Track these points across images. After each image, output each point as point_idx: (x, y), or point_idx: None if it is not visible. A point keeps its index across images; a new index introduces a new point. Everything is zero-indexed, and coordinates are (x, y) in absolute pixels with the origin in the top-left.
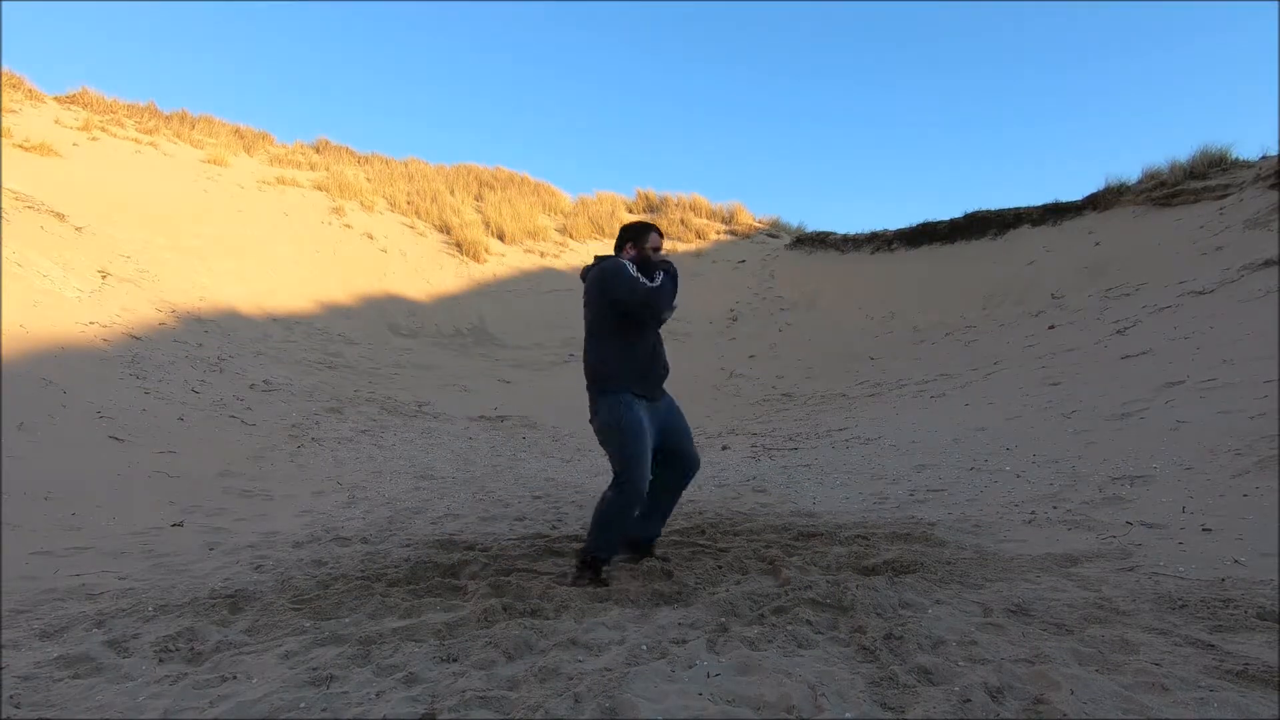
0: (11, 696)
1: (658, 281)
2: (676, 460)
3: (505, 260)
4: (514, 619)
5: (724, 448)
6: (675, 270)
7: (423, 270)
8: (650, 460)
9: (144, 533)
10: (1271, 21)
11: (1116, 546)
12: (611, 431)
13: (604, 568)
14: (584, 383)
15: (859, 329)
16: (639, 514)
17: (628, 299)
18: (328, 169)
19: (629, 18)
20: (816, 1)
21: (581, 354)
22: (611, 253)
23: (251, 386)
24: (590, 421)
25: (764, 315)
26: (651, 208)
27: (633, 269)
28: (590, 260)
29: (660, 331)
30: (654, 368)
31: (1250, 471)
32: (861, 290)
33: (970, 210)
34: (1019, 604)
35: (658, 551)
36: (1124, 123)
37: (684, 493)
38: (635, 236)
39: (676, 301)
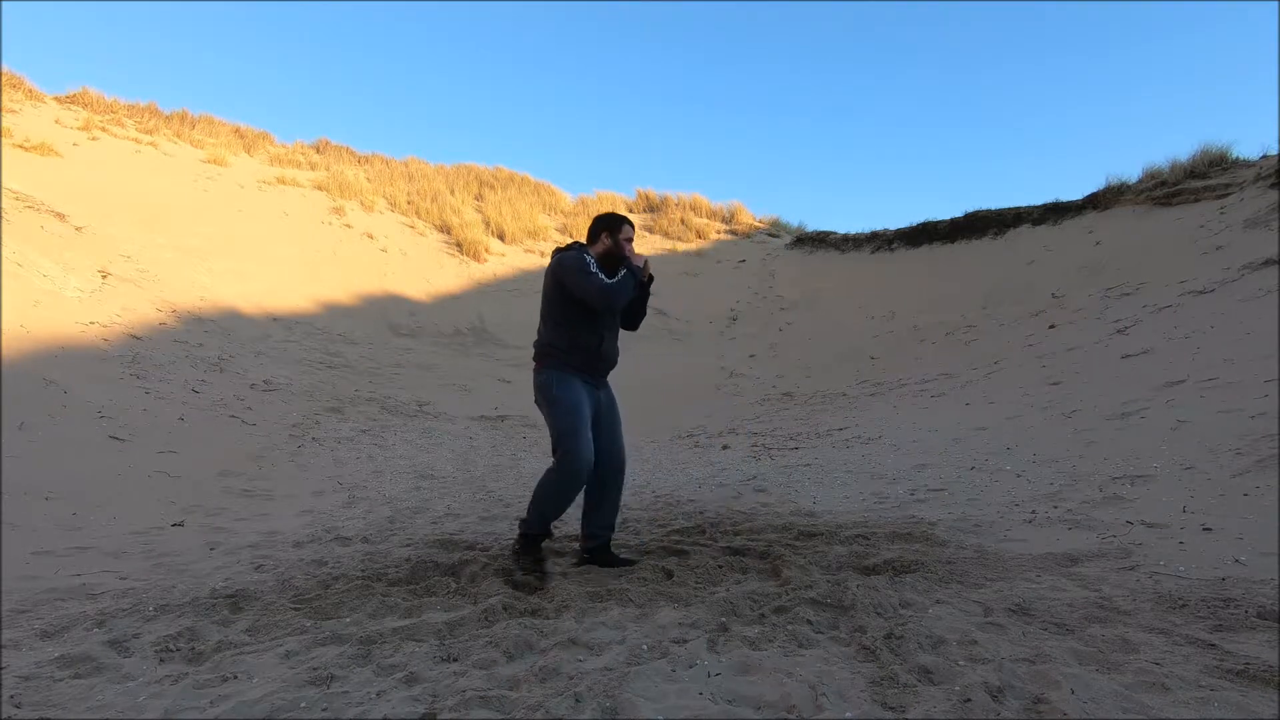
0: (12, 696)
1: (616, 279)
2: (604, 454)
3: (505, 260)
4: (514, 618)
5: (724, 447)
6: (640, 270)
7: (423, 270)
8: (590, 437)
9: (144, 532)
10: (1271, 21)
11: (1117, 546)
12: (549, 404)
13: (542, 550)
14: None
15: (859, 329)
16: (584, 509)
17: (581, 293)
18: (328, 169)
19: (629, 17)
20: (817, 0)
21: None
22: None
23: (252, 386)
24: (535, 401)
25: (764, 315)
26: (652, 207)
27: (593, 264)
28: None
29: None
30: (600, 359)
31: (1251, 471)
32: (861, 290)
33: (970, 210)
34: (1019, 603)
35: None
36: (1125, 122)
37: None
38: (610, 227)
39: (654, 295)
